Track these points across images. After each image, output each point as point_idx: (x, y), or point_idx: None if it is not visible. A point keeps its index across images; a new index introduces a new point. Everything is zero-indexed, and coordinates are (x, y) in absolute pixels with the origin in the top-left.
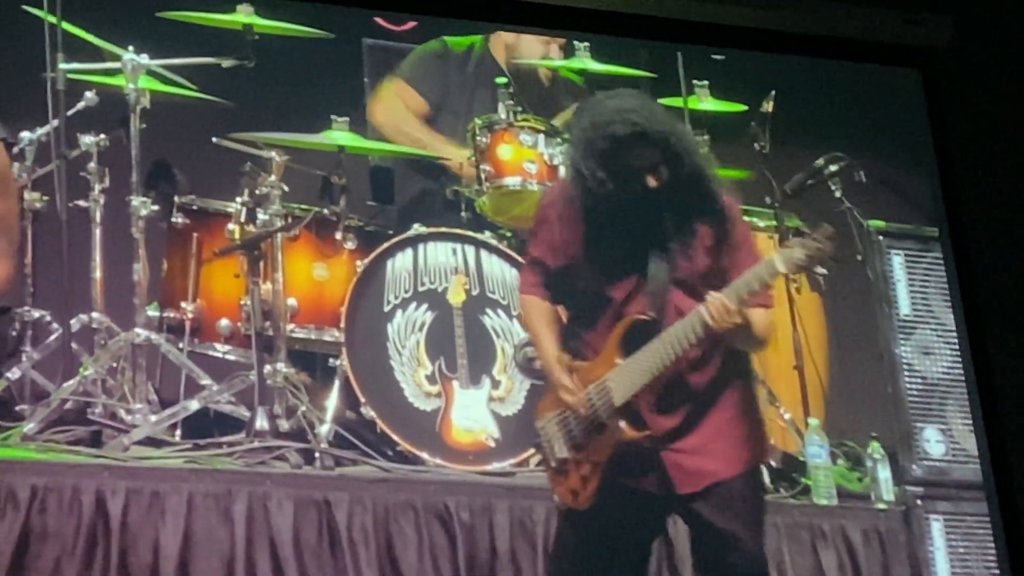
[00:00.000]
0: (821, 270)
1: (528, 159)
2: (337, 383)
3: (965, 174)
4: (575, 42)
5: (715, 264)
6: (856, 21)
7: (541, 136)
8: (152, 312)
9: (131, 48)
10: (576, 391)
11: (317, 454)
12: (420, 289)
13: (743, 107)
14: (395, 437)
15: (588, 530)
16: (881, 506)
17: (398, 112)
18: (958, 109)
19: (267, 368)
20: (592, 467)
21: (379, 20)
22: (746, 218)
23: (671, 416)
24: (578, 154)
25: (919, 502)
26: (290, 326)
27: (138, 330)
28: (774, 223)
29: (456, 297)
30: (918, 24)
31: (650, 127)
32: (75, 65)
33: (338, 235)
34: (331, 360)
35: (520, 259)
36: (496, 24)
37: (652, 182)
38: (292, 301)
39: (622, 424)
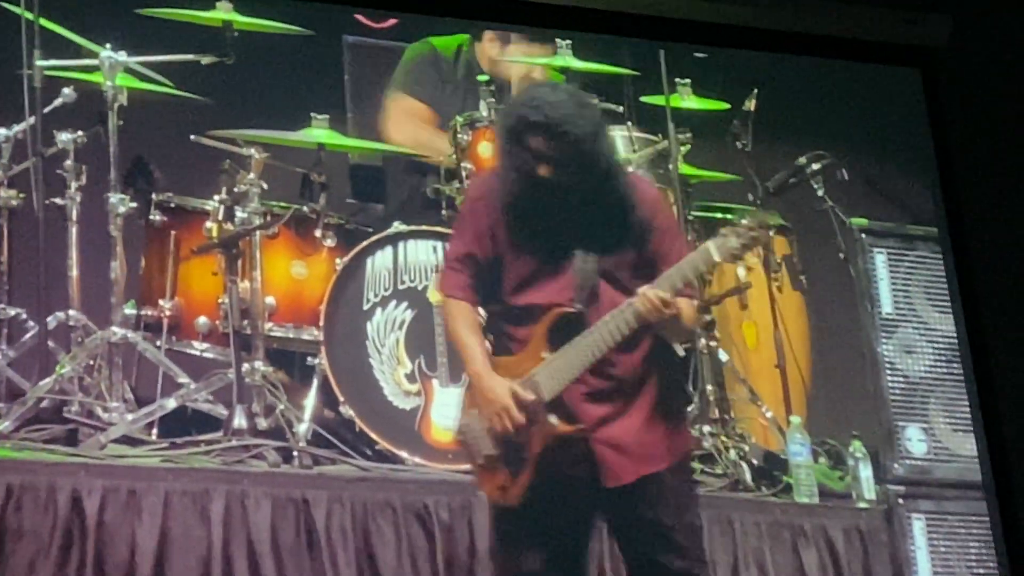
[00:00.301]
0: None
1: None
2: (316, 382)
3: (964, 173)
4: (557, 40)
5: (641, 255)
6: (855, 21)
7: None
8: (129, 310)
9: (109, 45)
10: (503, 404)
11: (295, 452)
12: (400, 287)
13: (725, 105)
14: (374, 436)
15: (520, 527)
16: (863, 505)
17: (412, 125)
18: (957, 108)
19: (245, 366)
20: (521, 462)
21: (360, 17)
22: (728, 216)
23: (602, 406)
24: (501, 135)
25: (901, 501)
26: (268, 324)
27: (115, 328)
28: None
29: (436, 295)
30: (917, 24)
31: (563, 125)
32: (52, 62)
33: (318, 233)
34: (309, 359)
35: None
36: (478, 22)
37: (542, 170)
38: (270, 300)
39: (552, 418)
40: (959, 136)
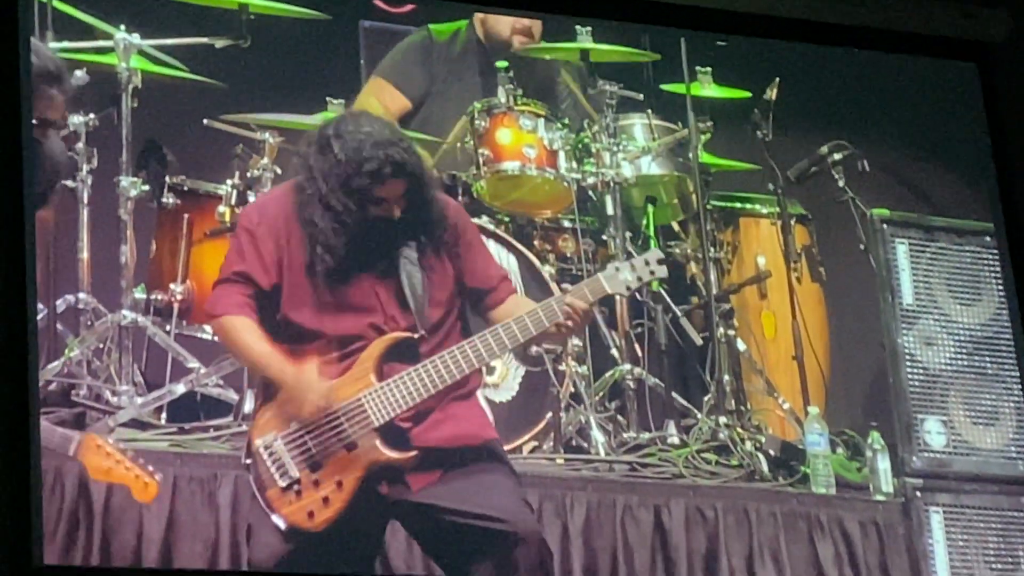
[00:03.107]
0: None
1: (527, 144)
2: None
3: (1022, 169)
4: (577, 27)
5: (455, 273)
6: (912, 14)
7: (541, 121)
8: (139, 294)
9: (123, 27)
10: (321, 397)
11: None
12: None
13: (746, 94)
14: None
15: (319, 552)
16: (880, 497)
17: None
18: (1015, 103)
19: None
20: (336, 487)
21: (377, 2)
22: (748, 205)
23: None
24: (329, 186)
25: (919, 494)
26: None
27: (125, 312)
28: (777, 210)
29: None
30: (975, 18)
31: (407, 161)
32: (65, 44)
33: None
34: None
35: (519, 245)
36: (495, 8)
37: (396, 212)
38: None
39: (378, 443)
40: (1016, 131)
